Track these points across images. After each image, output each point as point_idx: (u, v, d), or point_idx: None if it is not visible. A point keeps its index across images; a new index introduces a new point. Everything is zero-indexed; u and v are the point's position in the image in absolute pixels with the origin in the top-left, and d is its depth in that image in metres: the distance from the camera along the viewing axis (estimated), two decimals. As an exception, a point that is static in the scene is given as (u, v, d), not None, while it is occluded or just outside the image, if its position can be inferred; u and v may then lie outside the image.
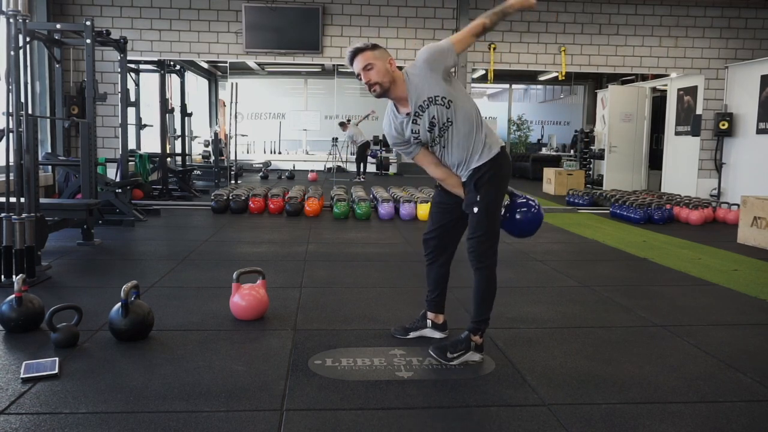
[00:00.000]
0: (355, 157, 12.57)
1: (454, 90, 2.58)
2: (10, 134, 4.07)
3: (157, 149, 9.10)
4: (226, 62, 9.18)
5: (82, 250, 5.09)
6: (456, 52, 2.55)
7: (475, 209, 2.61)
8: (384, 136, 12.46)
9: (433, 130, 2.60)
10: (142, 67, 9.39)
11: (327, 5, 8.48)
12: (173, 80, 10.24)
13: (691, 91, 9.35)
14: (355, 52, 2.56)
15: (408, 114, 2.60)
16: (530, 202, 2.84)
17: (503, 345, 2.93)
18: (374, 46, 2.58)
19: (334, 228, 6.70)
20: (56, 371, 2.46)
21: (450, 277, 2.94)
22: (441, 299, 2.97)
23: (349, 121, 12.66)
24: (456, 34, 2.62)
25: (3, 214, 3.87)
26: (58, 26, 6.30)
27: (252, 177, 12.75)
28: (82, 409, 2.17)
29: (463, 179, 2.68)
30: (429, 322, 3.00)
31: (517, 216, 2.80)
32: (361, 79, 2.58)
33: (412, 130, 2.62)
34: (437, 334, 2.98)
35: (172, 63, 9.45)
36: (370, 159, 13.23)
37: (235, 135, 11.27)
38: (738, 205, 6.89)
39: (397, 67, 2.61)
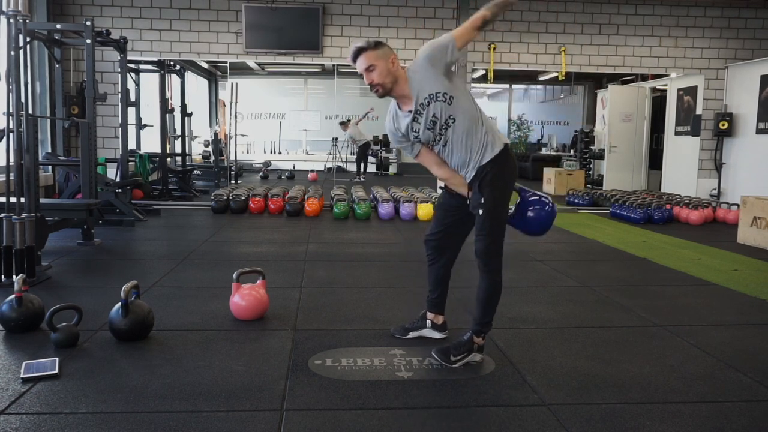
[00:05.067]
0: (355, 157, 12.57)
1: (455, 86, 2.56)
2: (10, 134, 4.07)
3: (157, 149, 9.10)
4: (226, 62, 9.17)
5: (82, 250, 5.09)
6: (457, 47, 2.52)
7: (480, 211, 2.58)
8: (384, 135, 12.40)
9: (434, 129, 2.58)
10: (142, 67, 9.38)
11: (327, 5, 8.48)
12: (173, 80, 10.23)
13: (691, 91, 9.35)
14: (358, 52, 2.55)
15: (410, 111, 2.58)
16: (543, 199, 2.75)
17: (503, 345, 2.93)
18: (377, 45, 2.56)
19: (334, 228, 6.70)
20: (56, 371, 2.46)
21: (451, 277, 2.93)
22: (441, 300, 2.96)
23: (349, 120, 12.65)
24: (457, 29, 2.59)
25: (3, 214, 3.87)
26: (58, 26, 6.30)
27: (252, 177, 12.74)
28: (82, 409, 2.17)
29: (468, 179, 2.65)
30: (428, 323, 2.99)
31: (530, 214, 2.71)
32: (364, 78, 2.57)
33: (413, 128, 2.60)
34: (436, 335, 2.98)
35: (172, 63, 9.44)
36: (370, 159, 13.22)
37: (235, 135, 11.27)
38: (738, 205, 6.90)
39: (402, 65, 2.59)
